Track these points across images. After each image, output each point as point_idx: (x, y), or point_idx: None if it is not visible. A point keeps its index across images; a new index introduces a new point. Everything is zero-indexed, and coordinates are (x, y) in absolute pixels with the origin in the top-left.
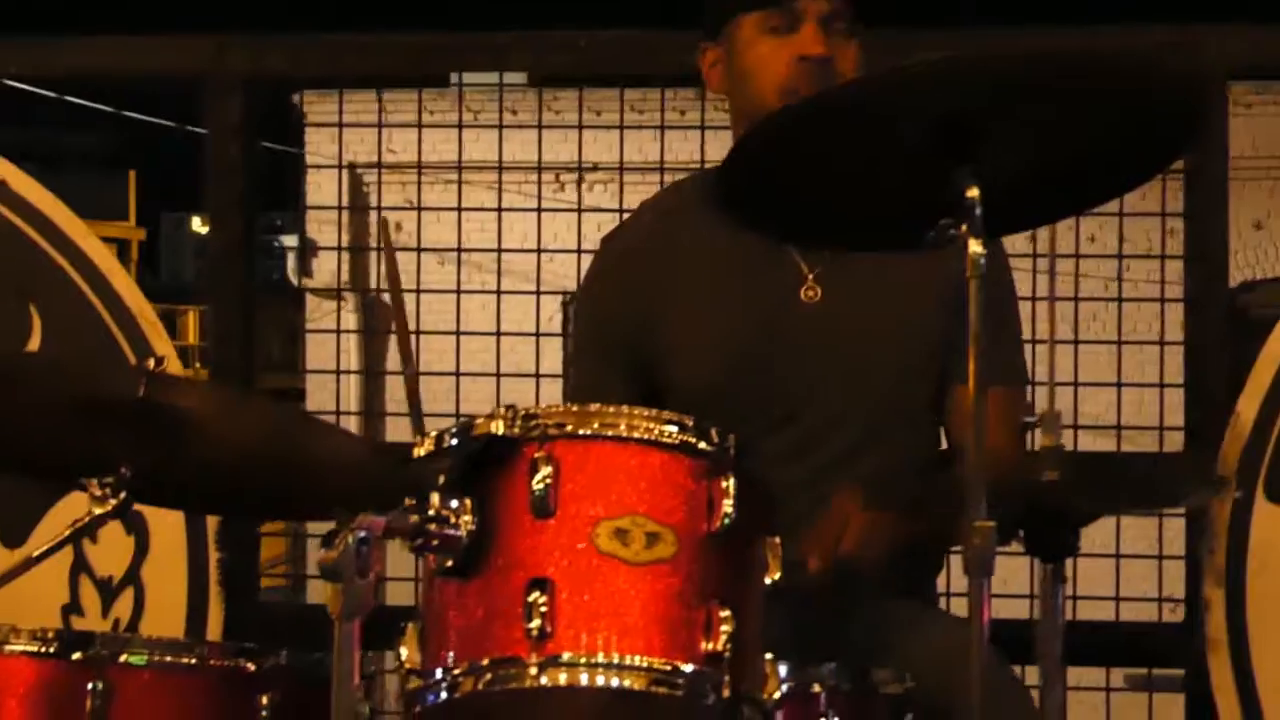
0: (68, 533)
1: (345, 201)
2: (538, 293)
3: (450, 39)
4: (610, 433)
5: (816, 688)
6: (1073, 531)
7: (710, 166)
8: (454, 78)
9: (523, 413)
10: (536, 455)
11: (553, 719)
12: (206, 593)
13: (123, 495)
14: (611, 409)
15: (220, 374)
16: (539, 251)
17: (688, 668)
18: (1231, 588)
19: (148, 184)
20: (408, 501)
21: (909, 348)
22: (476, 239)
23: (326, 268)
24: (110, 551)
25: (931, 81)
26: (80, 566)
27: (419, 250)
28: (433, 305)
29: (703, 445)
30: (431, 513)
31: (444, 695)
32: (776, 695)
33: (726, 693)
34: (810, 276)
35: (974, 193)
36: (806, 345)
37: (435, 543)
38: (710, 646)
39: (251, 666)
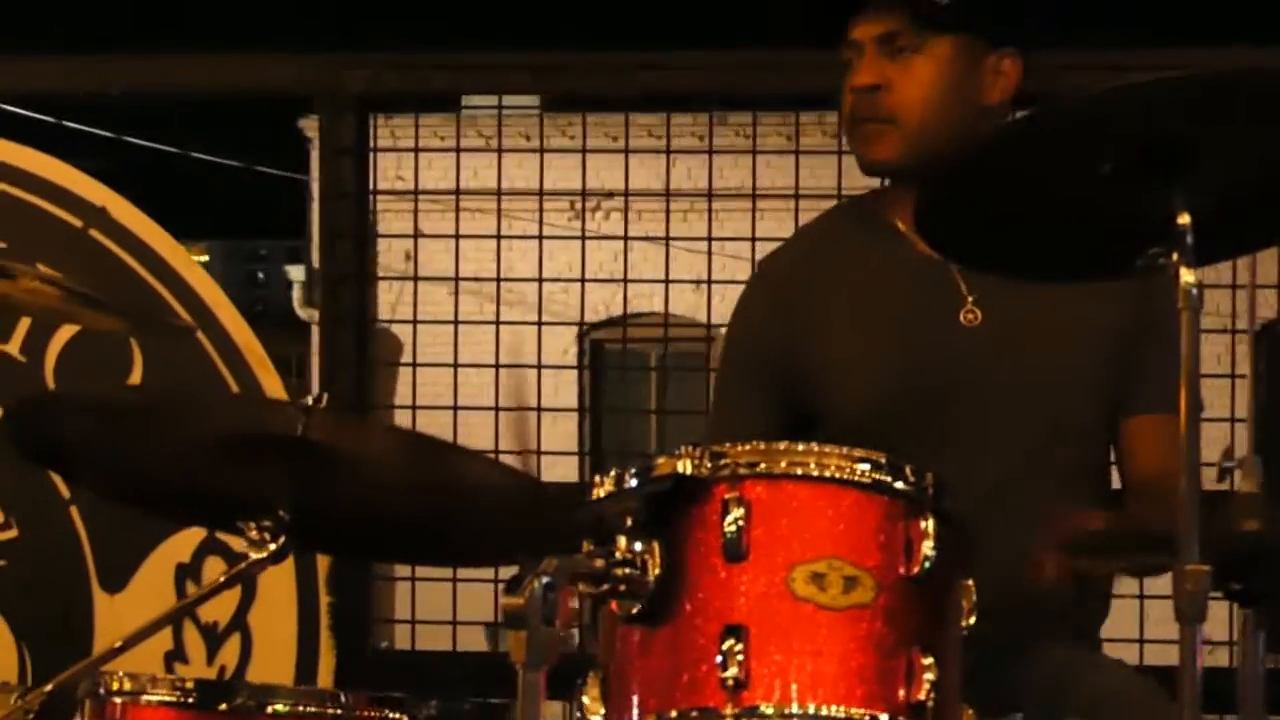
0: (224, 578)
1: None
2: (539, 323)
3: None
4: (801, 471)
5: None
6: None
7: (867, 191)
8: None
9: (710, 450)
10: (727, 496)
11: None
12: (317, 639)
13: (282, 539)
14: (801, 446)
15: (338, 403)
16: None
17: (887, 717)
18: None
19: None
20: (586, 545)
21: (1073, 375)
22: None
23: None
24: (218, 599)
25: (1141, 102)
26: (184, 612)
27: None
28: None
29: (899, 485)
30: (619, 556)
31: None
32: None
33: None
34: (970, 299)
35: (1185, 219)
36: (965, 370)
37: (622, 588)
38: (912, 695)
39: (403, 718)
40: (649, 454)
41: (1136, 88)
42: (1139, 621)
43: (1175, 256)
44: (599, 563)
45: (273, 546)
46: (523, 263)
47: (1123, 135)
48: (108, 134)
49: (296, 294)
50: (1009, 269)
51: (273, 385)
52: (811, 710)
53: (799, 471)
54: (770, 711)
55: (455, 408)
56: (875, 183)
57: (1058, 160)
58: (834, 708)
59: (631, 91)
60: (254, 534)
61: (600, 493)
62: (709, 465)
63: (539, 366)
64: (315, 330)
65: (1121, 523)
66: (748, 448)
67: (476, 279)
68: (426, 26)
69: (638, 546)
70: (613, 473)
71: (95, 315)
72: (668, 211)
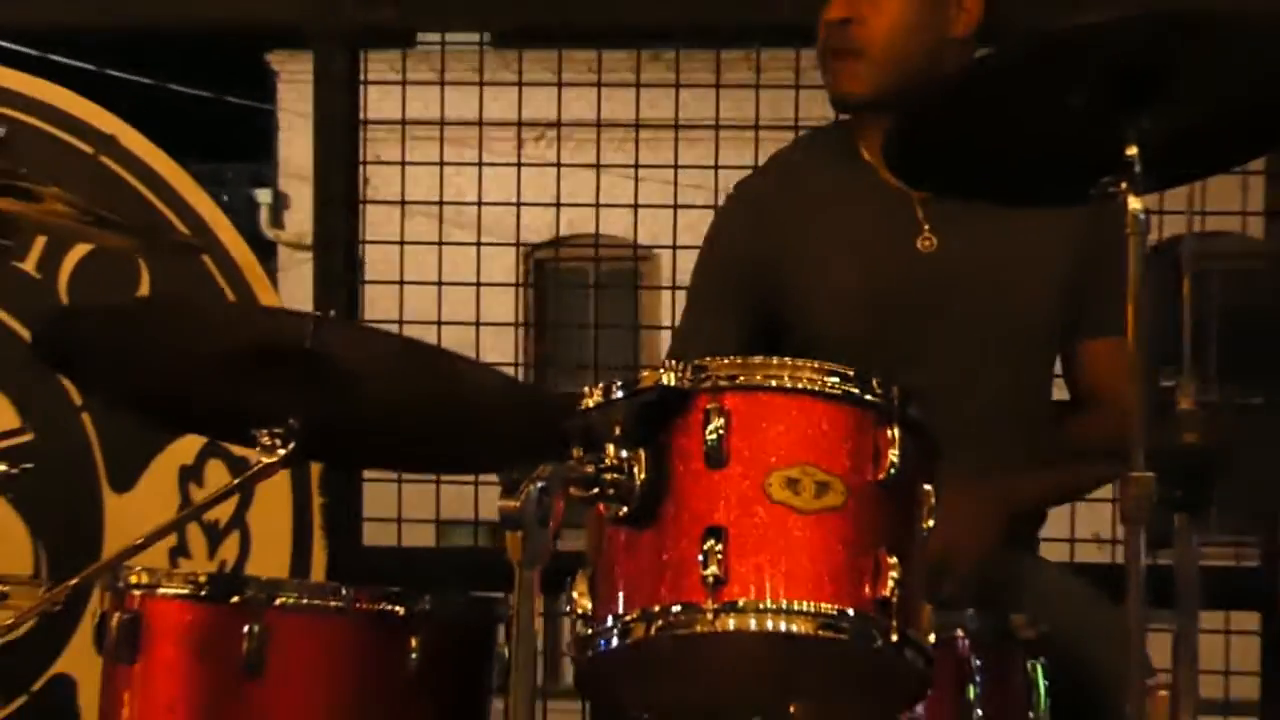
0: (236, 481)
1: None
2: (478, 244)
3: None
4: (776, 384)
5: (960, 633)
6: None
7: (837, 121)
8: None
9: (693, 364)
10: (709, 406)
11: (725, 662)
12: (310, 537)
13: (292, 446)
14: (776, 361)
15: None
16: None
17: (854, 612)
18: None
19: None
20: (576, 452)
21: (1023, 300)
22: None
23: (296, 221)
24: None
25: (1104, 36)
26: (199, 512)
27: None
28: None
29: (867, 396)
30: (607, 463)
31: (615, 641)
32: (932, 639)
33: (894, 637)
34: (926, 228)
35: (1133, 150)
36: (921, 292)
37: (610, 492)
38: (877, 592)
39: (401, 610)
40: (629, 369)
41: (1105, 24)
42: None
43: (1124, 185)
44: (589, 469)
45: (282, 452)
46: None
47: (1088, 69)
48: (91, 66)
49: (264, 216)
50: (969, 195)
51: (270, 301)
52: (785, 605)
53: (774, 384)
54: (746, 606)
55: (400, 321)
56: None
57: (1024, 93)
58: (806, 603)
59: (600, 25)
60: (266, 440)
61: (589, 403)
62: (691, 378)
63: (478, 284)
64: (281, 250)
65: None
66: (727, 361)
67: (425, 202)
68: None
69: (624, 454)
70: (601, 384)
71: (106, 234)
72: (599, 142)
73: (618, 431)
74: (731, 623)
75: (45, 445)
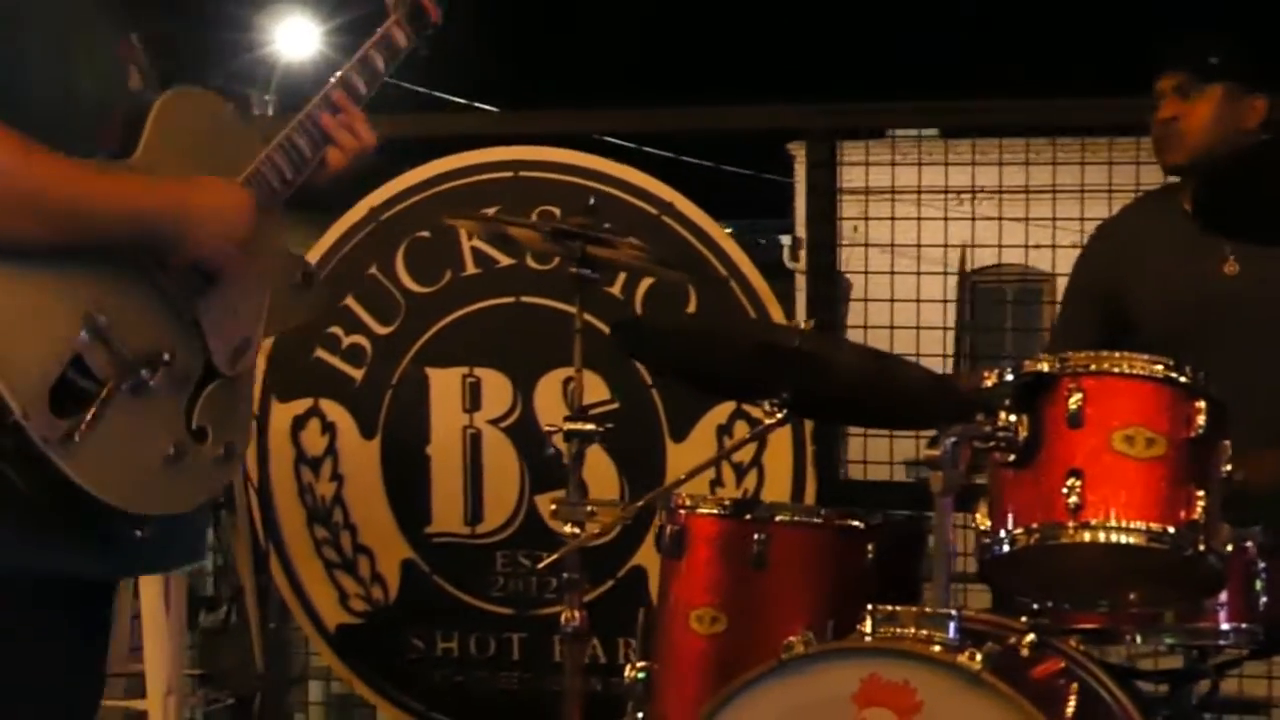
0: (751, 434)
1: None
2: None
3: (955, 105)
4: (1117, 370)
5: (1249, 543)
6: None
7: (1165, 184)
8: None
9: (1060, 356)
10: (1070, 385)
11: (1080, 563)
12: (804, 473)
13: (784, 412)
14: (1119, 354)
15: (820, 325)
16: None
17: (1173, 530)
18: None
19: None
20: (979, 417)
21: None
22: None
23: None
24: (745, 446)
25: None
26: (727, 454)
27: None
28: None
29: (1181, 379)
30: (1000, 424)
31: (1005, 548)
32: (1229, 549)
33: (1201, 547)
34: (1231, 258)
35: None
36: (1222, 306)
37: (1001, 444)
38: (1190, 516)
39: (860, 524)
40: (1018, 357)
41: None
42: None
43: None
44: (986, 428)
45: (779, 415)
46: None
47: None
48: (668, 153)
49: (786, 254)
50: (1258, 238)
51: (778, 316)
52: (1124, 524)
53: (1116, 370)
54: (1096, 525)
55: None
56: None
57: None
58: (1138, 523)
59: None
60: (767, 407)
61: (988, 383)
62: (1059, 365)
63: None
64: (797, 277)
65: None
66: (1084, 355)
67: (902, 245)
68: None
69: (1011, 418)
70: (995, 370)
71: (665, 270)
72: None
73: (1007, 403)
74: (1086, 536)
75: (626, 410)
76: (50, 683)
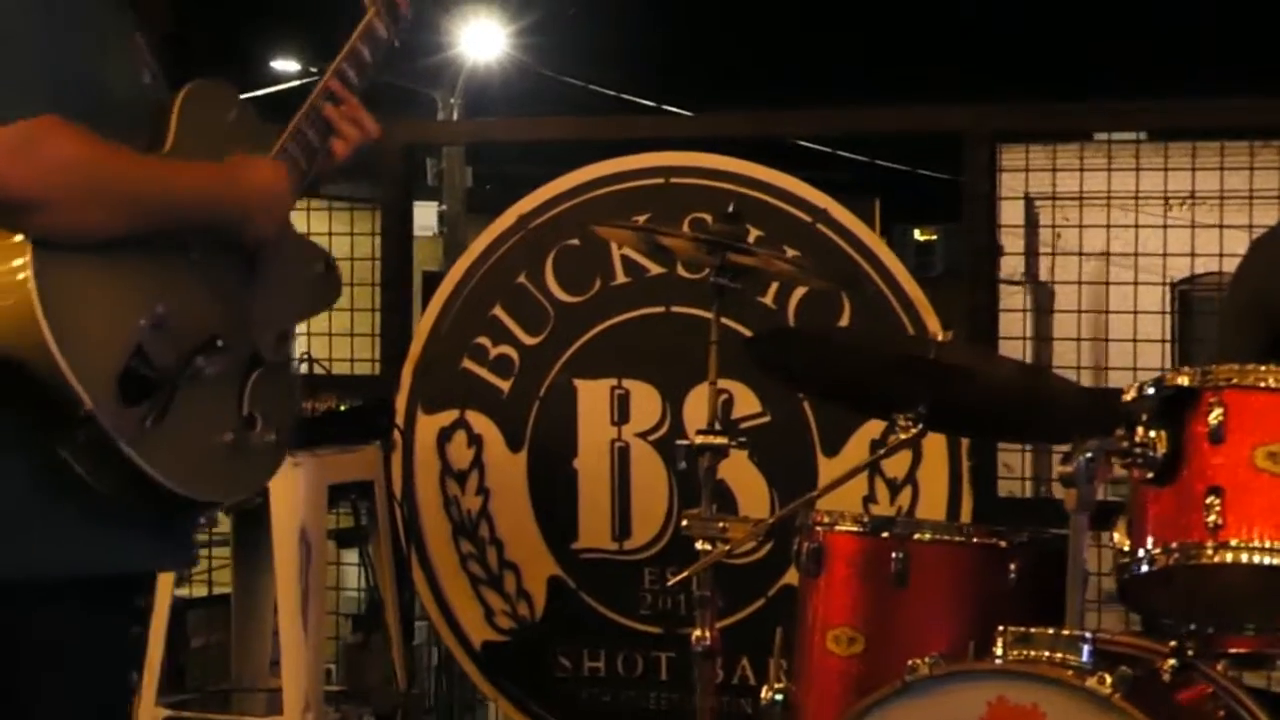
0: (885, 449)
1: (1024, 221)
2: (1165, 283)
3: (1130, 105)
4: (1263, 384)
5: None
6: None
7: None
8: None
9: (1202, 369)
10: (1212, 399)
11: (1220, 586)
12: (960, 489)
13: (920, 426)
14: (1264, 367)
15: (975, 336)
16: (1164, 256)
17: None
18: None
19: (886, 207)
20: (1119, 431)
21: None
22: (1117, 246)
23: (1010, 264)
24: (896, 460)
25: None
26: (875, 470)
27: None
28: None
29: None
30: (1138, 440)
31: (1144, 568)
32: None
33: None
34: None
35: None
36: None
37: (1140, 461)
38: None
39: (1003, 543)
40: (1163, 370)
41: None
42: None
43: None
44: (1124, 444)
45: (914, 430)
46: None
47: None
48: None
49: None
50: None
51: (934, 325)
52: (1268, 544)
53: (1260, 384)
54: (1236, 544)
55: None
56: None
57: None
58: None
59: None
60: (902, 421)
61: (1128, 396)
62: (1200, 378)
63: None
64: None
65: None
66: (1226, 367)
67: (1102, 254)
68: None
69: (1151, 434)
70: (1138, 383)
71: (811, 278)
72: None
73: (1145, 417)
74: (1227, 556)
75: (777, 423)
76: (102, 673)
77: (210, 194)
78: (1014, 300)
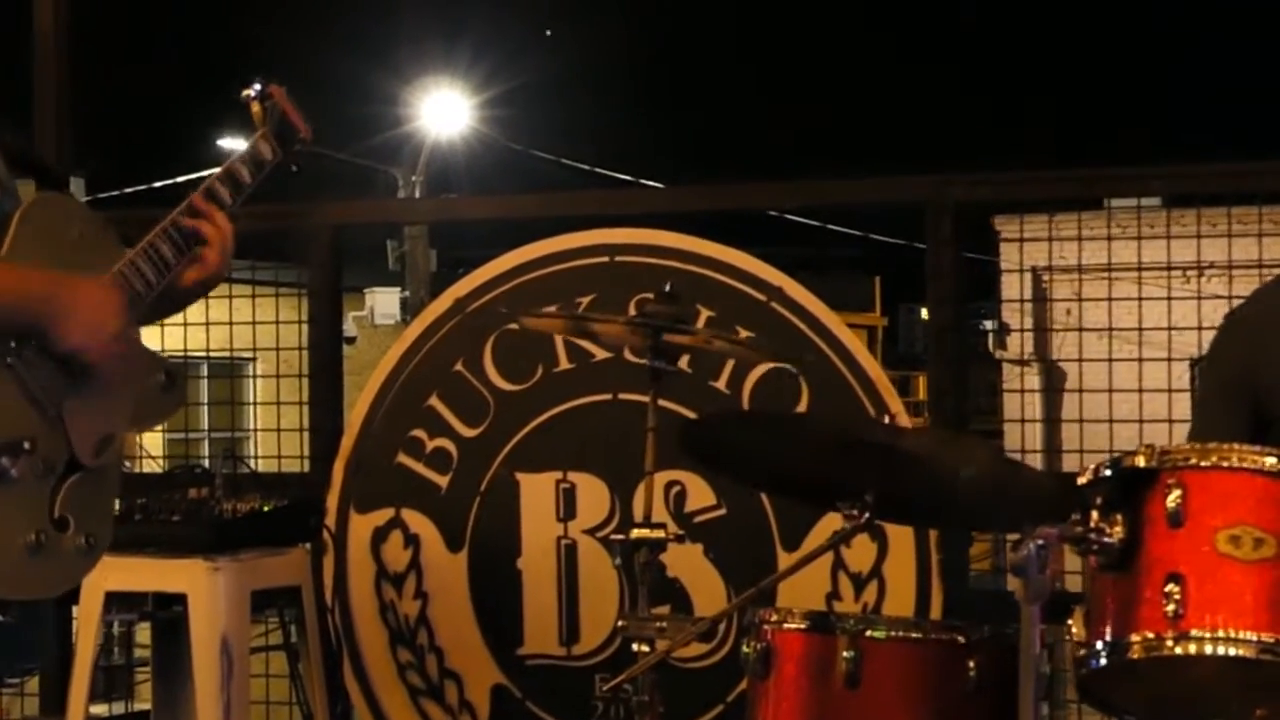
0: (827, 541)
1: (1029, 295)
2: (1169, 359)
3: (1102, 173)
4: (1225, 464)
5: None
6: None
7: None
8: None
9: (1159, 450)
10: (1170, 481)
11: (1182, 679)
12: (930, 583)
13: (867, 515)
14: (1225, 445)
15: (939, 420)
16: (1169, 329)
17: None
18: None
19: (889, 284)
20: (1074, 517)
21: None
22: (1125, 321)
23: (1016, 344)
24: (861, 553)
25: None
26: (839, 565)
27: (1080, 330)
28: (1091, 370)
29: None
30: (1092, 525)
31: (1102, 661)
32: None
33: None
34: None
35: None
36: None
37: (1095, 547)
38: None
39: (961, 639)
40: (1119, 452)
41: None
42: None
43: None
44: (1079, 529)
45: (863, 519)
46: (1131, 317)
47: None
48: (859, 232)
49: (991, 340)
50: None
51: (896, 406)
52: (1230, 634)
53: (1222, 464)
54: (1198, 635)
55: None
56: None
57: None
58: (1247, 633)
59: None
60: (849, 510)
61: (1084, 479)
62: (1158, 459)
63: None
64: (1004, 367)
65: None
66: (1184, 446)
67: (1120, 329)
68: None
69: (1107, 518)
70: (1092, 466)
71: (763, 357)
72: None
73: (1100, 501)
74: (1191, 648)
75: (733, 516)
76: None
77: (18, 296)
78: (1017, 380)
